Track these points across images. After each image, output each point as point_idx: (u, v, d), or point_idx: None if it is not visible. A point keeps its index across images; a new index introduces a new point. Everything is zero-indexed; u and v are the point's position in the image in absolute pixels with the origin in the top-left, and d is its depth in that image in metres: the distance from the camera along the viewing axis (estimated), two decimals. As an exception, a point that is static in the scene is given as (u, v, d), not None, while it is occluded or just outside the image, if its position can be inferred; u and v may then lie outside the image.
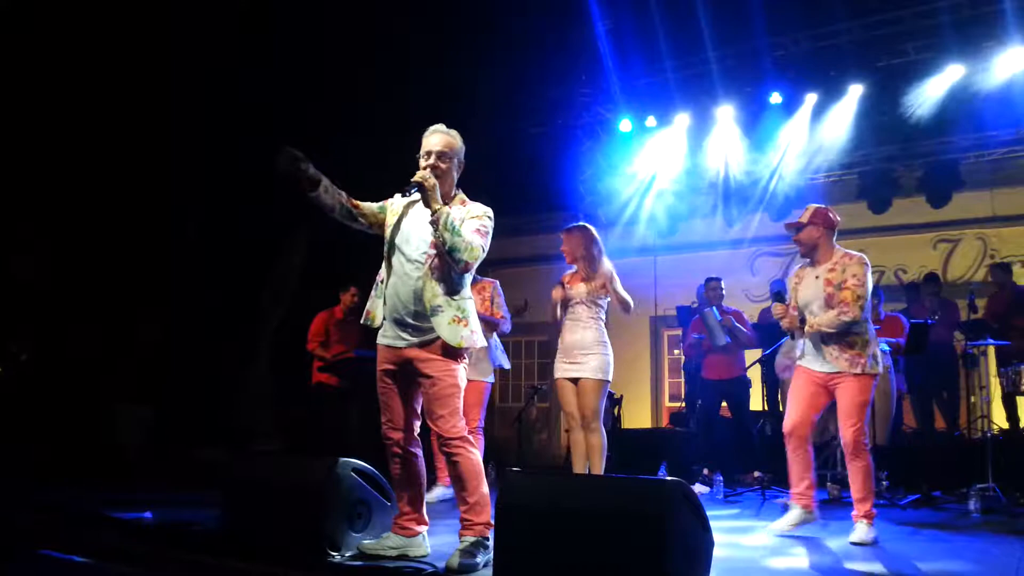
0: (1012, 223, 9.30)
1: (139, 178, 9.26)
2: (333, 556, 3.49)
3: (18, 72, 8.36)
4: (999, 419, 7.73)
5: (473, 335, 3.56)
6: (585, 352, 5.09)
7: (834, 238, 4.66)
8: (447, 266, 3.49)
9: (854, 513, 4.36)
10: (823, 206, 4.68)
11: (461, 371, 3.57)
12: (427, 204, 3.44)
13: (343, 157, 9.44)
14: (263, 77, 9.07)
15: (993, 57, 8.22)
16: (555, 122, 10.88)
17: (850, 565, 3.73)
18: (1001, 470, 5.84)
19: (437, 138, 3.64)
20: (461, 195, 3.70)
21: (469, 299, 3.62)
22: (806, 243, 4.62)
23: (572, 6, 9.15)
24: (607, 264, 5.23)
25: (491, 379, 5.98)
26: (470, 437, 3.56)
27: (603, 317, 5.22)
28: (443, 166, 3.59)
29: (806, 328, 4.48)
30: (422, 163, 3.60)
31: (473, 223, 3.54)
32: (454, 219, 3.42)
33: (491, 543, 3.38)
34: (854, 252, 4.57)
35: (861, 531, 4.27)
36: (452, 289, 3.52)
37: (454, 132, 3.70)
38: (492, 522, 3.29)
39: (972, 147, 9.27)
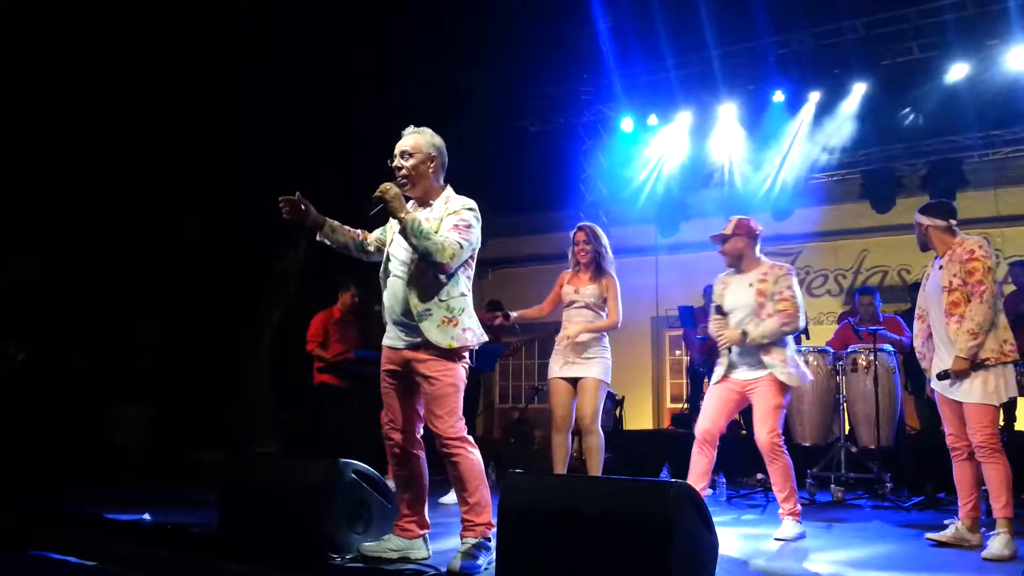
0: (1016, 223, 9.27)
1: (139, 179, 9.24)
2: (333, 558, 3.45)
3: (17, 72, 8.32)
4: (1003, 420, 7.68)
5: (466, 333, 3.52)
6: (588, 355, 5.03)
7: (757, 248, 4.76)
8: (428, 271, 3.44)
9: (780, 511, 4.48)
10: (745, 217, 4.80)
11: (459, 371, 3.53)
12: (393, 215, 3.39)
13: (343, 156, 9.47)
14: (262, 77, 9.04)
15: (998, 56, 8.20)
16: (556, 120, 10.85)
17: (855, 567, 3.70)
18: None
19: (406, 139, 3.60)
20: (447, 191, 3.63)
21: (461, 297, 3.55)
22: (731, 254, 4.72)
23: (573, 4, 9.13)
24: (614, 272, 5.18)
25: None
26: (469, 437, 3.52)
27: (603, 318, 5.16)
28: (408, 165, 3.53)
29: (747, 340, 4.49)
30: (393, 165, 3.57)
31: (451, 220, 3.47)
32: (420, 224, 3.35)
33: (493, 543, 3.34)
34: (781, 263, 4.74)
35: (786, 528, 4.39)
36: (438, 290, 3.47)
37: (425, 130, 3.63)
38: (493, 523, 3.26)
39: (976, 146, 9.26)
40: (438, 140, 3.63)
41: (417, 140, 3.58)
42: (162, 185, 9.37)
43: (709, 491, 6.15)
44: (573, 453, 5.39)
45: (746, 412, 7.20)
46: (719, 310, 4.75)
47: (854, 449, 6.37)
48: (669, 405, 11.24)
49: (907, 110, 8.81)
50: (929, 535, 4.23)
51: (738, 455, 7.02)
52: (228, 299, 9.66)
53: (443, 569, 3.31)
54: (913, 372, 7.59)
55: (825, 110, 9.34)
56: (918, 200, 9.59)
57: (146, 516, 4.43)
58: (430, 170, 3.57)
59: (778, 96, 9.33)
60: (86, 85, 8.68)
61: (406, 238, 3.37)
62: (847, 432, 6.59)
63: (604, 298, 5.09)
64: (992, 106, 8.48)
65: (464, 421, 3.55)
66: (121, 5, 8.45)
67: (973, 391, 4.00)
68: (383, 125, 9.32)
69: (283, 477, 3.73)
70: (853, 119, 9.20)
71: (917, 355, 4.45)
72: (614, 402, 8.28)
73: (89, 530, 4.13)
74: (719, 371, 4.73)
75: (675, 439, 8.10)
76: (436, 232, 3.42)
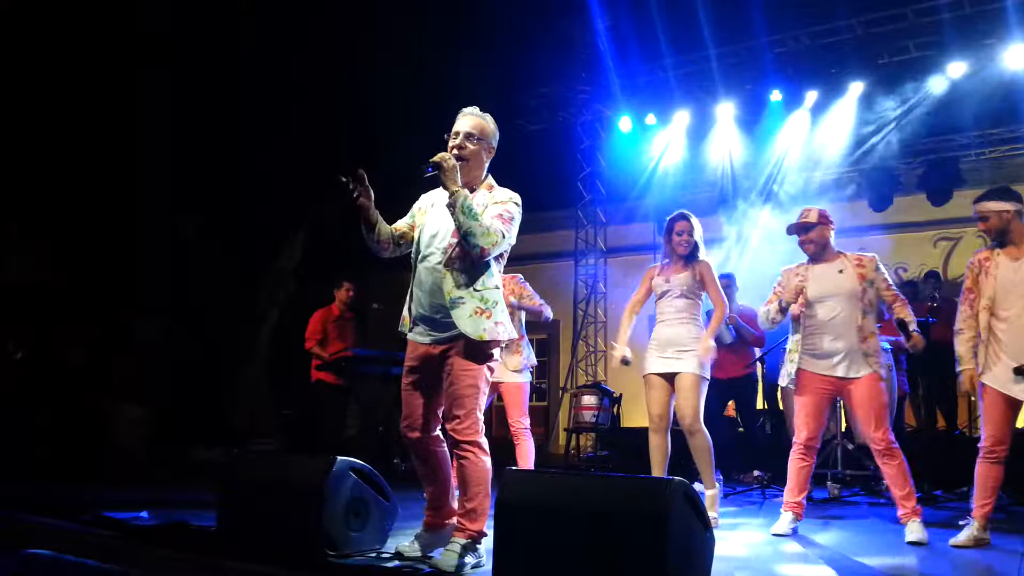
0: (1014, 221, 9.27)
1: (138, 178, 9.24)
2: (331, 555, 3.46)
3: (15, 71, 8.32)
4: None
5: (498, 327, 3.41)
6: (683, 348, 4.79)
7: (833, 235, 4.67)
8: (468, 255, 3.35)
9: (899, 513, 4.37)
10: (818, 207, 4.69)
11: (485, 372, 3.42)
12: (444, 186, 3.32)
13: (341, 155, 9.47)
14: (260, 76, 9.04)
15: (995, 54, 8.21)
16: (555, 119, 10.87)
17: (851, 563, 3.71)
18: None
19: (468, 120, 3.53)
20: (490, 181, 3.58)
21: (495, 290, 3.45)
22: (818, 243, 4.56)
23: (572, 3, 9.14)
24: (707, 257, 4.97)
25: (528, 378, 5.66)
26: (484, 442, 3.42)
27: (699, 312, 4.92)
28: (471, 148, 3.48)
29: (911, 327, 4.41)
30: (450, 143, 3.49)
31: (496, 208, 3.42)
32: (472, 202, 3.30)
33: (481, 549, 3.36)
34: (864, 252, 4.62)
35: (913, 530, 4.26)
36: (474, 279, 3.39)
37: (488, 116, 3.57)
38: (487, 532, 3.23)
39: (973, 145, 9.28)
40: (495, 128, 3.60)
41: (485, 127, 3.54)
42: (161, 184, 9.38)
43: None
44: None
45: (744, 409, 7.25)
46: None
47: (851, 446, 6.38)
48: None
49: (904, 109, 8.83)
50: (952, 542, 4.11)
51: (736, 453, 7.04)
52: (227, 297, 9.67)
53: (437, 568, 3.31)
54: (911, 370, 7.63)
55: (822, 109, 9.36)
56: (915, 198, 9.65)
57: (144, 514, 4.43)
58: (484, 158, 3.56)
59: (776, 95, 9.35)
60: (82, 82, 8.68)
61: (453, 213, 3.28)
62: (844, 429, 6.61)
63: (698, 287, 4.85)
64: (989, 105, 8.50)
65: (481, 423, 3.44)
66: (119, 3, 8.45)
67: None
68: (381, 123, 9.33)
69: (281, 475, 3.73)
70: (850, 118, 9.22)
71: (962, 349, 4.27)
72: (612, 399, 8.29)
73: (86, 528, 4.14)
74: (790, 370, 4.55)
75: (673, 436, 8.10)
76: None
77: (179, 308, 9.74)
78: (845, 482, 6.32)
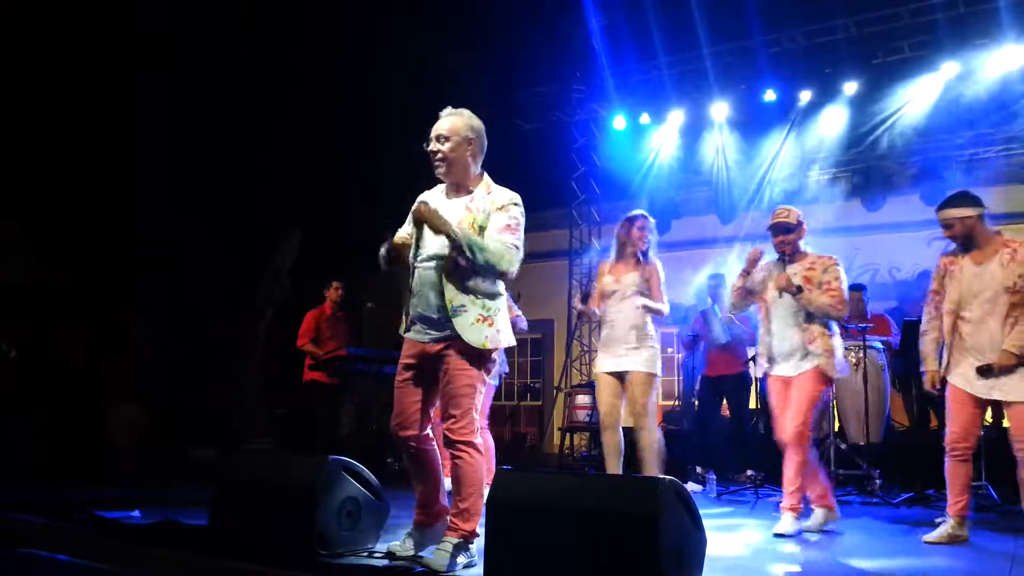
0: (1005, 221, 9.29)
1: (132, 176, 9.21)
2: (323, 555, 3.46)
3: (14, 71, 8.29)
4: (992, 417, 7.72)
5: (500, 335, 3.39)
6: (633, 346, 4.87)
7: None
8: (469, 263, 3.28)
9: (782, 504, 4.52)
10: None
11: (481, 374, 3.39)
12: (438, 233, 3.25)
13: (337, 153, 9.46)
14: (255, 75, 9.02)
15: (987, 55, 8.23)
16: (549, 118, 10.87)
17: (844, 563, 3.72)
18: (994, 468, 5.83)
19: (441, 123, 3.41)
20: (486, 180, 3.48)
21: (499, 296, 3.42)
22: (793, 244, 4.62)
23: (567, 2, 9.13)
24: (656, 259, 5.06)
25: (496, 382, 5.69)
26: (478, 443, 3.39)
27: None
28: (446, 149, 3.37)
29: (799, 295, 4.44)
30: (429, 150, 3.41)
31: (500, 219, 3.33)
32: (472, 236, 3.24)
33: (473, 549, 3.34)
34: (828, 254, 4.66)
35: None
36: (476, 287, 3.33)
37: (463, 111, 3.44)
38: (479, 532, 3.19)
39: (966, 145, 9.30)
40: (476, 122, 3.46)
41: (455, 123, 3.40)
42: (156, 182, 9.36)
43: (698, 487, 6.19)
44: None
45: (737, 409, 7.27)
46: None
47: (843, 446, 6.40)
48: (661, 402, 11.24)
49: (898, 109, 8.85)
50: (925, 538, 4.20)
51: (728, 452, 7.06)
52: (222, 295, 9.65)
53: (429, 567, 3.31)
54: (903, 369, 7.66)
55: (816, 109, 9.37)
56: (908, 198, 9.67)
57: (136, 513, 4.43)
58: (468, 154, 3.41)
59: (769, 95, 9.37)
60: (76, 82, 8.65)
61: (462, 255, 3.23)
62: (836, 429, 6.63)
63: (647, 287, 4.92)
64: (982, 105, 8.52)
65: (477, 423, 3.41)
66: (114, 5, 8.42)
67: (1021, 390, 3.97)
68: (377, 122, 9.33)
69: (274, 474, 3.73)
70: (844, 118, 9.24)
71: (927, 349, 4.34)
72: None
73: (79, 527, 4.13)
74: (763, 365, 4.66)
75: (667, 436, 8.11)
76: (485, 226, 3.32)
77: (174, 307, 9.72)
78: (838, 482, 6.33)
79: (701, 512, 2.98)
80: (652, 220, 5.13)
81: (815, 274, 4.52)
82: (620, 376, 4.94)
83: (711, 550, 3.11)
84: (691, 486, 6.35)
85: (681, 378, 9.65)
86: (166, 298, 9.69)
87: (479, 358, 3.37)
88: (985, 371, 4.03)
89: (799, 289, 4.43)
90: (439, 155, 3.40)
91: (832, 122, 9.30)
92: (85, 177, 9.00)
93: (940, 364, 4.29)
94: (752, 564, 3.72)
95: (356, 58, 9.13)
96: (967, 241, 4.22)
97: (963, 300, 4.18)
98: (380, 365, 7.23)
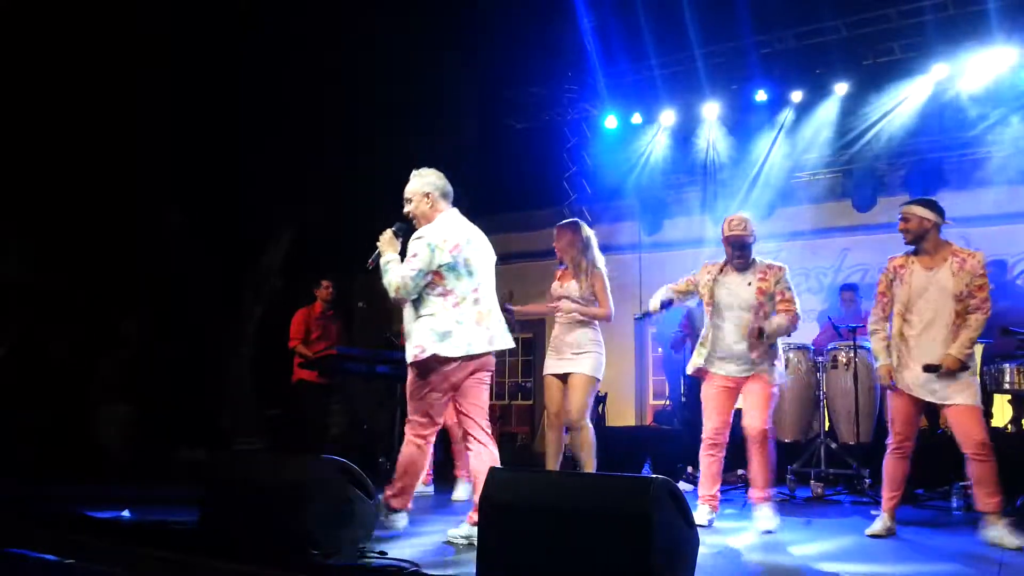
0: (995, 222, 9.34)
1: (120, 175, 9.16)
2: (315, 554, 3.45)
3: (14, 71, 8.24)
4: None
5: (416, 348, 3.92)
6: (578, 351, 5.07)
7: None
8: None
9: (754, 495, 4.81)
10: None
11: (414, 381, 4.00)
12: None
13: (328, 153, 9.43)
14: (248, 74, 8.99)
15: (977, 56, 8.26)
16: (540, 118, 10.87)
17: (832, 563, 3.73)
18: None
19: (407, 186, 4.13)
20: (439, 217, 4.07)
21: (428, 316, 3.94)
22: (746, 252, 4.80)
23: (558, 3, 9.13)
24: (600, 266, 5.19)
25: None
26: (479, 436, 4.04)
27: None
28: (411, 209, 4.10)
29: (764, 337, 4.61)
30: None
31: (411, 248, 3.95)
32: (387, 264, 3.96)
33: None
34: (778, 263, 4.84)
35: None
36: (416, 312, 4.00)
37: (421, 172, 4.13)
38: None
39: (957, 146, 9.32)
40: (431, 177, 4.12)
41: (411, 186, 4.12)
42: (144, 181, 9.31)
43: (689, 487, 6.21)
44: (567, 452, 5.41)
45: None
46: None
47: (834, 445, 6.42)
48: (652, 402, 11.27)
49: (889, 110, 8.89)
50: (867, 531, 4.40)
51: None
52: (211, 295, 9.61)
53: (421, 567, 3.31)
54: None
55: (807, 109, 9.40)
56: (899, 199, 9.65)
57: (125, 513, 4.41)
58: (427, 206, 4.07)
59: (761, 95, 9.39)
60: (69, 81, 8.60)
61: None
62: (827, 428, 6.65)
63: (590, 294, 5.09)
64: (972, 106, 8.56)
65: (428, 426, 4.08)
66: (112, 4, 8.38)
67: (966, 394, 4.14)
68: (369, 122, 9.31)
69: (265, 473, 3.72)
70: (835, 118, 9.27)
71: (878, 347, 4.51)
72: (597, 399, 8.31)
73: (68, 527, 4.11)
74: (697, 362, 4.81)
75: (658, 436, 8.14)
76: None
77: (162, 305, 9.68)
78: (828, 481, 6.36)
79: (692, 511, 2.99)
80: (587, 231, 5.24)
81: (767, 285, 4.68)
82: (564, 378, 5.14)
83: (702, 549, 3.12)
84: (682, 485, 6.35)
85: (668, 378, 9.65)
86: (156, 297, 9.65)
87: (416, 371, 4.02)
88: (932, 368, 4.18)
89: (761, 333, 4.59)
90: (408, 213, 4.13)
91: (823, 122, 9.33)
92: (78, 178, 8.95)
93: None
94: (743, 563, 3.73)
95: (349, 58, 9.11)
96: (917, 240, 4.41)
97: (911, 302, 4.35)
98: (370, 364, 7.20)
